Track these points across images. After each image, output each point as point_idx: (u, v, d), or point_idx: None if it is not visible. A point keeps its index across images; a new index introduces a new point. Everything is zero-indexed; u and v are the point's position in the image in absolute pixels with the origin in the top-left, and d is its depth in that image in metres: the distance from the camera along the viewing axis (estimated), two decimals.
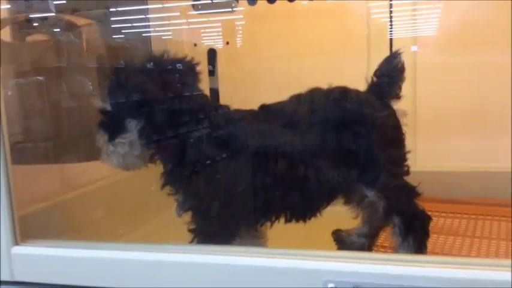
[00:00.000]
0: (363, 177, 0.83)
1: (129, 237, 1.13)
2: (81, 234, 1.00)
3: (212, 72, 1.39)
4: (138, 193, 1.23)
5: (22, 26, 1.21)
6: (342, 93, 0.85)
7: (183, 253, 0.70)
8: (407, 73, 1.23)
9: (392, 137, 0.87)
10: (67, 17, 1.22)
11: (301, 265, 0.65)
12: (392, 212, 0.86)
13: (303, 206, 0.83)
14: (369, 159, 0.82)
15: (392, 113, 0.87)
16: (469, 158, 1.24)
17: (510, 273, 0.56)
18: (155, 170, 1.16)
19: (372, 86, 0.88)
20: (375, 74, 0.88)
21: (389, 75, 0.88)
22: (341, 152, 0.81)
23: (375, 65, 1.27)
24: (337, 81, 1.28)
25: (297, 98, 0.87)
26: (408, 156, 1.25)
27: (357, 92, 0.87)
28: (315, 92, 0.86)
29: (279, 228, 1.15)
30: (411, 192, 0.89)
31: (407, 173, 0.89)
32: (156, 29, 1.41)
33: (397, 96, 0.88)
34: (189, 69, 0.82)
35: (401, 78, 0.88)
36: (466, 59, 1.23)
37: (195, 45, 1.42)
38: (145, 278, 0.71)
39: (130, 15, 1.35)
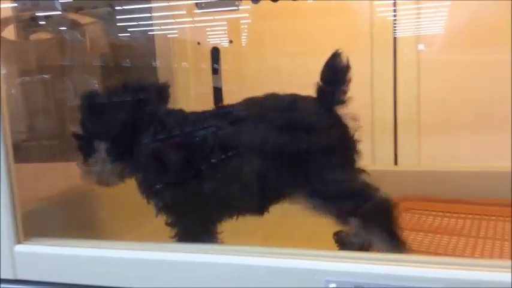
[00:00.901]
0: (306, 185, 0.84)
1: (132, 235, 1.13)
2: (84, 233, 1.00)
3: (216, 71, 1.39)
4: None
5: (27, 24, 1.21)
6: (290, 101, 0.87)
7: (184, 252, 0.70)
8: (411, 72, 1.25)
9: (334, 145, 0.84)
10: (71, 16, 1.22)
11: (303, 265, 0.65)
12: (344, 215, 0.85)
13: (249, 203, 0.86)
14: (308, 167, 0.82)
15: (336, 121, 0.84)
16: (474, 158, 1.23)
17: (510, 274, 0.56)
18: None
19: (319, 92, 0.85)
20: (320, 78, 0.85)
21: (331, 80, 0.85)
22: (282, 158, 0.82)
23: (379, 64, 1.28)
24: None
25: (251, 101, 0.89)
26: (411, 155, 1.27)
27: (304, 99, 0.87)
28: (268, 97, 0.88)
29: (281, 227, 1.16)
30: (360, 194, 0.86)
31: (356, 178, 0.86)
32: (160, 27, 1.42)
33: (342, 102, 0.84)
34: (157, 92, 0.90)
35: (343, 81, 0.84)
36: (470, 58, 1.22)
37: (199, 43, 1.42)
38: (148, 277, 0.72)
39: (134, 14, 1.35)
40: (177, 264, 0.70)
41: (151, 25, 1.41)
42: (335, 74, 0.84)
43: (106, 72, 1.27)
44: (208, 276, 0.68)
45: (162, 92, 0.91)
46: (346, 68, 0.84)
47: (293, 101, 0.87)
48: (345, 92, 0.84)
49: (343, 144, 0.85)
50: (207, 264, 0.68)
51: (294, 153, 0.81)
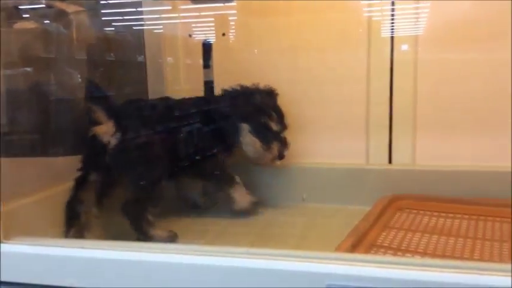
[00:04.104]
0: None
1: (114, 233, 1.10)
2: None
3: (207, 65, 1.35)
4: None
5: (11, 13, 1.16)
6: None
7: (180, 254, 0.67)
8: (408, 70, 1.23)
9: None
10: (57, 4, 1.18)
11: (303, 267, 0.63)
12: None
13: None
14: None
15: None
16: (470, 157, 1.22)
17: (510, 278, 0.55)
18: None
19: None
20: None
21: None
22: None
23: (375, 62, 1.26)
24: (332, 77, 1.27)
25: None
26: (406, 154, 1.25)
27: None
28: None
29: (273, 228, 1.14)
30: None
31: None
32: (150, 22, 1.38)
33: None
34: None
35: None
36: (466, 57, 1.20)
37: (190, 36, 1.39)
38: (135, 278, 0.68)
39: (123, 6, 1.32)
40: (170, 265, 0.67)
41: (141, 19, 1.37)
42: None
43: (92, 65, 1.23)
44: (210, 278, 0.65)
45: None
46: None
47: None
48: None
49: None
50: (205, 267, 0.66)
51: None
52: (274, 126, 1.17)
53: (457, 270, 0.60)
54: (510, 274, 0.57)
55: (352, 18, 1.28)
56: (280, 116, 1.20)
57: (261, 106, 1.18)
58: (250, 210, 1.20)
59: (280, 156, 1.18)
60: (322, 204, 1.26)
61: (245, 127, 1.17)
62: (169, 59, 1.41)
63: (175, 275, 0.68)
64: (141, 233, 1.00)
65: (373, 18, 1.26)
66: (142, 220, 1.01)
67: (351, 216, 1.12)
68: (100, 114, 1.01)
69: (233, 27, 1.38)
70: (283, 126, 1.20)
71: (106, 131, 1.02)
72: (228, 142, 1.19)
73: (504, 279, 0.57)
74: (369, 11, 1.27)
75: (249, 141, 1.17)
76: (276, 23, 1.33)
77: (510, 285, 0.56)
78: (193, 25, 1.40)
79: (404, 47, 1.24)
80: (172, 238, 1.03)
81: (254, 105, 1.17)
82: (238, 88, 1.20)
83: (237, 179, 1.20)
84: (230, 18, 1.37)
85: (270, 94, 1.22)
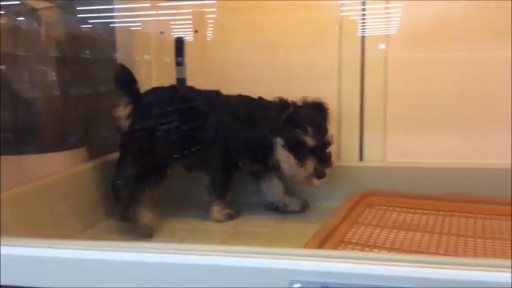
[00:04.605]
0: None
1: (89, 233, 1.09)
2: (38, 229, 0.95)
3: (180, 63, 1.35)
4: (99, 187, 1.19)
5: None
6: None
7: (149, 252, 0.66)
8: (378, 68, 1.25)
9: None
10: (26, 0, 1.16)
11: (266, 264, 0.63)
12: None
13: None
14: None
15: None
16: (440, 154, 1.24)
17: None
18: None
19: None
20: None
21: None
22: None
23: (346, 59, 1.27)
24: (303, 75, 1.28)
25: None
26: (376, 151, 1.27)
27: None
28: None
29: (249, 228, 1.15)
30: None
31: None
32: (122, 19, 1.37)
33: None
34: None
35: None
36: (436, 55, 1.23)
37: (162, 33, 1.38)
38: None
39: (94, 3, 1.30)
40: (137, 264, 0.66)
41: (112, 16, 1.36)
42: None
43: (62, 62, 1.21)
44: (167, 276, 0.65)
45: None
46: None
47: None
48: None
49: None
50: (167, 265, 0.65)
51: None
52: (310, 141, 1.09)
53: (420, 264, 0.60)
54: (474, 267, 0.58)
55: (325, 17, 1.30)
56: (321, 131, 1.11)
57: (294, 119, 1.10)
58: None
59: (319, 175, 1.09)
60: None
61: (279, 141, 1.11)
62: (146, 57, 1.40)
63: (141, 273, 0.67)
64: (126, 214, 1.10)
65: (345, 17, 1.28)
66: (131, 202, 1.08)
67: (322, 213, 1.14)
68: (122, 98, 1.13)
69: (208, 25, 1.37)
70: (324, 141, 1.11)
71: (122, 114, 1.13)
72: (259, 155, 1.15)
73: (467, 273, 0.58)
74: (342, 10, 1.28)
75: (283, 157, 1.11)
76: (250, 21, 1.33)
77: (471, 278, 0.57)
78: (167, 22, 1.39)
79: (376, 46, 1.26)
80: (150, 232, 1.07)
81: (287, 118, 1.10)
82: (277, 100, 1.12)
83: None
84: (205, 16, 1.37)
85: (318, 108, 1.16)
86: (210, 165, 1.18)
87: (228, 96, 1.18)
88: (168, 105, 1.15)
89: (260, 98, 1.16)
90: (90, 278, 0.67)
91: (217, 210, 1.17)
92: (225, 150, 1.16)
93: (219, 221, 1.17)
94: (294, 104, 1.12)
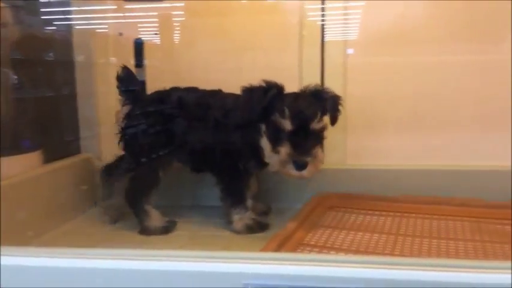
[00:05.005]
0: None
1: (40, 240, 1.06)
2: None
3: (139, 64, 1.32)
4: (52, 193, 1.16)
5: None
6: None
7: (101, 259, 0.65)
8: (338, 71, 1.26)
9: None
10: None
11: (220, 268, 0.62)
12: None
13: None
14: None
15: None
16: (400, 156, 1.27)
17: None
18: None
19: None
20: None
21: None
22: None
23: (307, 62, 1.28)
24: (269, 77, 1.28)
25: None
26: (337, 153, 1.28)
27: None
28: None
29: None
30: None
31: None
32: (80, 21, 1.34)
33: None
34: None
35: None
36: (396, 59, 1.26)
37: (121, 34, 1.35)
38: None
39: (50, 5, 1.27)
40: (88, 271, 0.64)
41: (69, 18, 1.33)
42: None
43: (17, 63, 1.17)
44: (120, 282, 0.63)
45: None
46: None
47: None
48: None
49: None
50: (120, 271, 0.64)
51: None
52: (287, 125, 0.97)
53: (372, 265, 0.61)
54: (425, 268, 0.59)
55: (288, 20, 1.30)
56: (304, 116, 0.98)
57: (276, 103, 1.00)
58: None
59: (297, 164, 0.97)
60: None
61: (262, 128, 1.03)
62: (113, 59, 1.37)
63: (91, 279, 0.65)
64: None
65: (307, 20, 1.28)
66: (139, 200, 1.12)
67: (284, 215, 1.14)
68: (122, 97, 1.16)
69: (174, 27, 1.36)
70: (305, 127, 0.98)
71: (120, 114, 1.16)
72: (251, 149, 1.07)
73: (418, 273, 0.59)
74: (305, 15, 1.28)
75: (263, 144, 1.03)
76: (213, 23, 1.33)
77: (421, 278, 0.58)
78: (134, 25, 1.37)
79: (336, 49, 1.27)
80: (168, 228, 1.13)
81: (270, 101, 1.00)
82: (259, 84, 1.03)
83: None
84: (171, 18, 1.36)
85: (316, 94, 1.05)
86: (219, 168, 1.14)
87: (226, 95, 1.15)
88: (167, 106, 1.14)
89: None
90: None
91: (238, 219, 1.11)
92: (229, 152, 1.10)
93: (238, 233, 1.10)
94: (280, 87, 1.03)
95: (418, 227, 1.04)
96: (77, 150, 1.35)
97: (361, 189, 1.22)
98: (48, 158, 1.22)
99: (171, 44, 1.37)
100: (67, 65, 1.33)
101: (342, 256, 0.86)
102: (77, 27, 1.34)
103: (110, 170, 1.20)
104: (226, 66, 1.32)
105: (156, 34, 1.34)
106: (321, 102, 1.03)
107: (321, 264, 0.62)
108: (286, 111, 0.97)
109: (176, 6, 1.35)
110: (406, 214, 1.12)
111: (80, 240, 1.10)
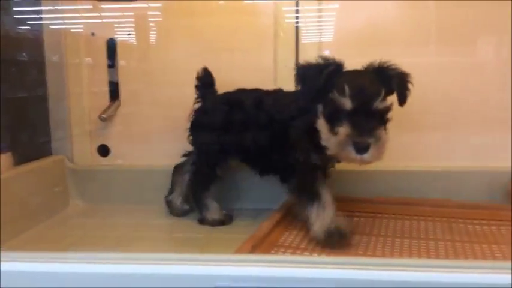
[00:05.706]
0: None
1: (13, 242, 1.04)
2: None
3: (111, 65, 1.30)
4: (24, 195, 1.13)
5: None
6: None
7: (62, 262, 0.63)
8: None
9: None
10: None
11: (192, 271, 0.62)
12: None
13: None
14: None
15: None
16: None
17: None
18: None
19: None
20: None
21: None
22: None
23: (282, 62, 1.28)
24: (240, 79, 1.28)
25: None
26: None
27: None
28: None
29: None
30: None
31: None
32: (51, 21, 1.32)
33: None
34: None
35: None
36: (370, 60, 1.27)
37: (93, 34, 1.33)
38: None
39: (19, 4, 1.24)
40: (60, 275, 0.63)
41: (40, 18, 1.30)
42: None
43: None
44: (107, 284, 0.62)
45: None
46: None
47: None
48: None
49: None
50: (95, 275, 0.63)
51: None
52: (347, 104, 0.87)
53: (343, 266, 0.61)
54: (394, 268, 0.59)
55: (263, 21, 1.30)
56: (365, 93, 0.89)
57: (335, 80, 0.91)
58: None
59: (357, 147, 0.86)
60: (234, 205, 1.28)
61: (319, 108, 0.94)
62: (87, 60, 1.35)
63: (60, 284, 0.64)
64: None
65: (285, 24, 1.28)
66: (200, 192, 1.18)
67: (260, 216, 1.14)
68: (196, 95, 1.22)
69: (150, 27, 1.35)
70: (368, 106, 0.88)
71: (193, 110, 1.21)
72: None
73: (387, 273, 0.59)
74: (281, 18, 1.29)
75: (320, 126, 0.94)
76: (189, 24, 1.32)
77: (393, 278, 0.58)
78: (112, 25, 1.35)
79: (311, 50, 1.28)
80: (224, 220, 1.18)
81: (327, 78, 0.91)
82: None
83: None
84: (147, 18, 1.34)
85: (378, 71, 0.95)
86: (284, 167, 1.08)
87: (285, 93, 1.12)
88: (236, 107, 1.14)
89: None
90: None
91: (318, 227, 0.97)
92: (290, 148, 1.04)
93: (319, 241, 0.96)
94: (339, 64, 0.94)
95: (392, 227, 1.06)
96: (48, 152, 1.34)
97: (337, 191, 1.23)
98: (20, 160, 1.20)
99: (146, 44, 1.36)
100: (38, 65, 1.31)
101: (314, 257, 0.86)
102: (51, 27, 1.32)
103: (180, 168, 1.26)
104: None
105: (129, 34, 1.32)
106: (385, 80, 0.93)
107: (293, 266, 0.62)
108: (346, 89, 0.88)
109: (152, 7, 1.34)
110: (379, 215, 1.13)
111: (53, 242, 1.08)
